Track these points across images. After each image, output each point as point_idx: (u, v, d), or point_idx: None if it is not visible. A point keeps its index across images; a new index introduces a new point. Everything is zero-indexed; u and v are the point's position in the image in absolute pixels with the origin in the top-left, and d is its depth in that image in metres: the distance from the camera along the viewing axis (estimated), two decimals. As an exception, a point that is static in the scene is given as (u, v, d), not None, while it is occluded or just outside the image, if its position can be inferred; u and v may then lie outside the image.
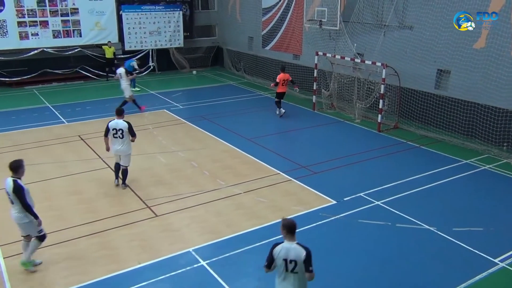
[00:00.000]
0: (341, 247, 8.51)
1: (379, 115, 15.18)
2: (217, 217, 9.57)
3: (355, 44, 16.81)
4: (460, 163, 12.45)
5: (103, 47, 22.77)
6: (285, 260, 5.54)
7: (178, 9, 25.07)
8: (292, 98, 19.54)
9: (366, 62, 15.58)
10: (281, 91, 16.81)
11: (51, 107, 18.16)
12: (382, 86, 14.89)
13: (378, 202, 10.15)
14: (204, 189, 10.88)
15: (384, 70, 14.67)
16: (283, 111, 16.78)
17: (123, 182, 10.97)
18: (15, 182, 7.35)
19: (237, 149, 13.49)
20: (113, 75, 22.94)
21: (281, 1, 21.28)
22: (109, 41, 23.05)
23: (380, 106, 15.10)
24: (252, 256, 8.19)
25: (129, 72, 17.79)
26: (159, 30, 24.81)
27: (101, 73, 23.41)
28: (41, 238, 7.78)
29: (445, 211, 9.88)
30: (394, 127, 15.44)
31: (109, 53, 22.81)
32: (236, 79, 23.90)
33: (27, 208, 7.38)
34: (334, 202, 10.21)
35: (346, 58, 16.36)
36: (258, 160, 12.65)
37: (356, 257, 8.18)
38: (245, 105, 18.68)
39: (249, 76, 23.70)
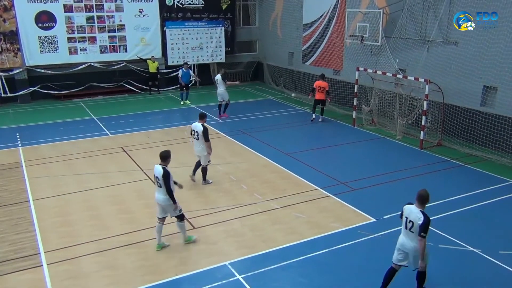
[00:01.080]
0: (379, 267, 8.26)
1: (422, 132, 14.81)
2: (254, 231, 9.54)
3: (397, 60, 16.55)
4: (507, 183, 11.93)
5: (147, 61, 23.35)
6: (406, 218, 6.99)
7: (220, 25, 25.54)
8: (332, 114, 19.41)
9: (409, 77, 15.29)
10: (316, 98, 17.91)
11: (96, 120, 18.79)
12: (425, 102, 14.55)
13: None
14: (242, 203, 10.91)
15: (427, 86, 14.34)
16: (314, 116, 17.76)
17: (203, 179, 12.04)
18: (164, 168, 8.58)
19: (276, 164, 13.47)
20: (156, 89, 23.67)
21: (322, 17, 21.29)
22: (153, 56, 23.69)
23: (423, 123, 14.74)
24: (287, 273, 8.10)
25: (225, 79, 19.05)
26: (201, 45, 25.33)
27: (144, 87, 24.06)
28: (181, 217, 8.90)
29: (491, 233, 9.46)
30: (437, 144, 15.01)
31: (152, 67, 23.34)
32: (275, 93, 23.98)
33: (170, 192, 8.57)
34: (374, 220, 9.98)
35: (387, 74, 16.12)
36: (296, 175, 12.58)
37: (396, 278, 7.93)
38: (284, 120, 18.69)
39: (288, 91, 23.74)
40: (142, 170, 13.00)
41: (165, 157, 8.79)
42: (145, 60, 23.47)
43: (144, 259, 8.54)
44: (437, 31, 15.55)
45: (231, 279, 7.89)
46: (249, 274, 8.03)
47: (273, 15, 25.46)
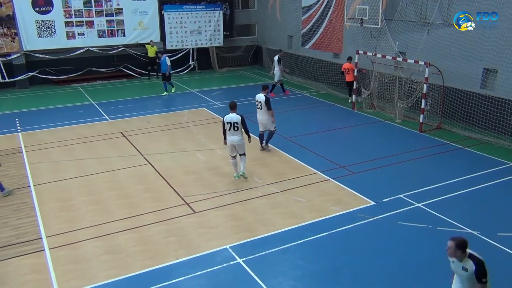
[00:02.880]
0: (379, 249, 8.35)
1: (421, 115, 14.78)
2: (254, 215, 9.59)
3: (397, 43, 16.44)
4: (506, 166, 11.96)
5: (146, 46, 23.18)
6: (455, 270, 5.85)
7: (219, 9, 25.30)
8: (332, 97, 19.35)
9: (409, 60, 15.20)
10: (347, 80, 18.20)
11: (95, 105, 18.75)
12: (425, 86, 14.49)
13: (419, 204, 9.89)
14: (241, 187, 10.94)
15: (427, 69, 14.27)
16: (353, 100, 17.81)
17: (266, 142, 13.24)
18: (239, 114, 10.88)
19: (275, 148, 13.47)
20: (155, 73, 23.53)
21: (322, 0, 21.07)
22: (151, 40, 23.47)
23: (422, 106, 14.70)
24: (287, 256, 8.16)
25: (280, 60, 19.55)
26: (200, 29, 25.13)
27: (143, 71, 23.94)
28: (244, 153, 11.18)
29: (490, 215, 9.51)
30: (437, 127, 15.00)
31: (151, 52, 23.18)
32: (274, 78, 23.81)
33: (248, 130, 11.03)
34: (373, 203, 10.02)
35: (387, 57, 16.02)
36: (295, 159, 12.59)
37: (395, 260, 8.01)
38: (283, 104, 18.63)
39: (288, 75, 23.61)
40: (142, 155, 13.01)
41: (234, 106, 11.04)
42: (143, 45, 23.31)
43: (144, 243, 8.60)
44: (437, 13, 15.41)
45: (231, 263, 7.95)
46: (250, 257, 8.09)
47: (272, -2, 25.20)
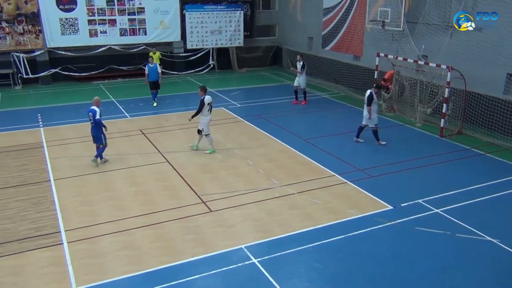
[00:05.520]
0: (396, 254, 8.27)
1: (442, 120, 14.58)
2: (270, 216, 9.59)
3: (423, 46, 16.21)
4: (529, 174, 11.72)
5: (150, 54, 20.49)
6: None
7: (240, 9, 25.37)
8: (351, 100, 19.23)
9: (430, 64, 15.01)
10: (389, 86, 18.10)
11: (115, 102, 18.97)
12: (447, 90, 14.30)
13: (438, 210, 9.76)
14: (258, 187, 10.94)
15: (449, 73, 14.07)
16: None
17: (377, 139, 13.87)
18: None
19: (293, 149, 13.45)
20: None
21: (343, 1, 20.97)
22: (154, 47, 21.86)
23: (444, 110, 14.50)
24: (303, 257, 8.13)
25: (303, 67, 18.36)
26: (220, 29, 25.24)
27: (164, 70, 24.11)
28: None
29: (510, 223, 9.33)
30: (458, 132, 14.77)
31: (156, 59, 20.56)
32: (294, 79, 23.76)
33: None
34: (391, 207, 9.92)
35: (408, 60, 15.85)
36: (313, 161, 12.55)
37: (411, 266, 7.92)
38: (302, 105, 18.57)
39: (307, 76, 23.51)
40: (160, 153, 13.12)
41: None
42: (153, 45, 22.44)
43: (161, 240, 8.66)
44: (461, 17, 15.17)
45: (246, 262, 7.96)
46: (265, 258, 8.09)
47: (293, -1, 25.18)
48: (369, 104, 13.44)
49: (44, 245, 8.48)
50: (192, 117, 12.92)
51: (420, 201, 10.17)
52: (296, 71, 18.47)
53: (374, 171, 11.85)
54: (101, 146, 12.20)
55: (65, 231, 8.98)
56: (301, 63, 18.33)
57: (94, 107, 11.94)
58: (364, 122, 13.85)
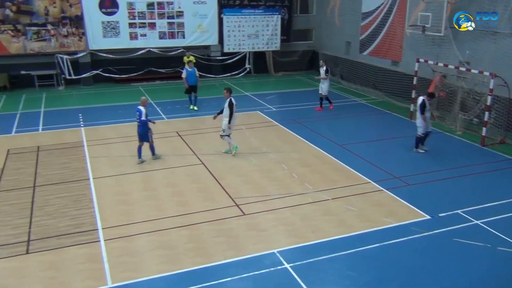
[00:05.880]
0: (431, 265, 8.04)
1: (484, 128, 14.11)
2: (303, 221, 9.52)
3: (467, 52, 15.74)
4: None
5: (184, 58, 20.58)
6: None
7: (277, 13, 25.41)
8: (388, 105, 18.91)
9: (473, 71, 14.57)
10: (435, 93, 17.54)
11: (153, 104, 19.32)
12: (489, 97, 13.84)
13: (478, 222, 9.44)
14: (292, 192, 10.90)
15: (492, 80, 13.62)
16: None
17: (415, 146, 13.64)
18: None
19: (328, 155, 13.33)
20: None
21: (383, 6, 20.67)
22: (188, 51, 21.77)
23: (486, 119, 14.04)
24: (336, 264, 8.03)
25: (327, 72, 18.18)
26: (257, 33, 25.33)
27: (201, 73, 24.39)
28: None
29: (556, 238, 8.92)
30: (501, 142, 14.26)
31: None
32: (331, 84, 23.54)
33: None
34: (428, 217, 9.67)
35: (449, 66, 15.44)
36: (348, 167, 12.39)
37: (447, 278, 7.68)
38: (338, 110, 18.40)
39: (345, 81, 23.33)
40: (196, 155, 13.27)
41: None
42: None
43: (196, 241, 8.75)
44: (506, 22, 14.67)
45: (279, 267, 7.93)
46: (297, 263, 8.03)
47: (331, 3, 24.99)
48: (422, 112, 13.13)
49: (81, 242, 8.72)
50: (230, 122, 12.98)
51: (459, 211, 9.87)
52: (321, 77, 18.25)
53: (411, 179, 11.60)
54: (150, 144, 12.74)
55: (102, 229, 9.20)
56: (324, 67, 18.20)
57: (141, 107, 12.42)
58: (420, 132, 13.41)
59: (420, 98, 13.33)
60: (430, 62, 16.24)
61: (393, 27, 20.16)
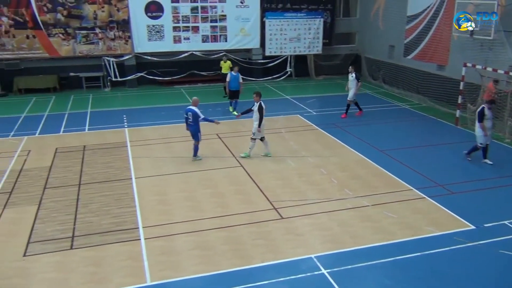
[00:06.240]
0: (474, 277, 7.75)
1: (535, 136, 13.49)
2: (342, 227, 9.40)
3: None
4: None
5: (221, 62, 21.69)
6: None
7: (320, 17, 25.25)
8: (433, 111, 18.40)
9: (524, 76, 13.96)
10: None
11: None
12: (542, 104, 13.21)
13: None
14: (331, 197, 10.78)
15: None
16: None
17: (468, 152, 13.16)
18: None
19: (368, 160, 13.10)
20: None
21: (429, 8, 20.14)
22: (225, 55, 22.70)
23: (537, 126, 13.41)
24: (375, 272, 7.88)
25: (358, 78, 17.77)
26: (299, 36, 25.26)
27: (243, 77, 24.53)
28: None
29: None
30: (553, 151, 13.59)
31: (225, 68, 21.26)
32: (373, 88, 23.26)
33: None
34: (473, 227, 9.33)
35: (499, 71, 14.85)
36: (389, 173, 12.14)
37: (493, 291, 7.38)
38: (380, 115, 18.07)
39: (387, 85, 22.89)
40: (235, 157, 13.36)
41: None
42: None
43: (233, 243, 8.81)
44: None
45: (315, 273, 7.87)
46: (335, 269, 7.94)
47: (375, 6, 24.59)
48: (480, 120, 12.43)
49: (123, 240, 8.96)
50: (259, 125, 12.95)
51: (506, 222, 9.47)
52: (348, 87, 17.75)
53: (455, 187, 11.23)
54: (196, 144, 13.09)
55: (143, 227, 9.42)
56: (354, 74, 17.61)
57: (193, 107, 12.86)
58: (480, 141, 12.67)
59: (481, 106, 12.62)
60: (478, 66, 15.68)
61: (440, 30, 19.60)
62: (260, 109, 12.92)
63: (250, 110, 13.30)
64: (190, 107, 12.92)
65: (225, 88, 19.69)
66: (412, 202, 10.52)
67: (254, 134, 13.15)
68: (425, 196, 10.75)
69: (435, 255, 8.38)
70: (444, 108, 18.37)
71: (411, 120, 17.34)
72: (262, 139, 13.27)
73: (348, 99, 17.72)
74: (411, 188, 11.22)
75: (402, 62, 22.26)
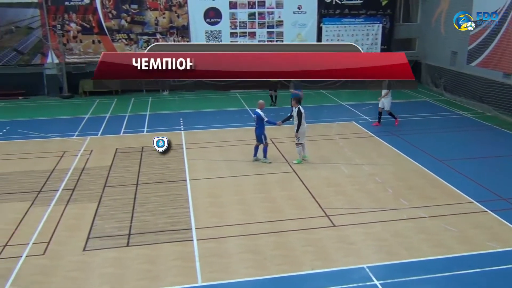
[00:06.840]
0: (542, 299, 7.26)
1: None
2: (396, 238, 9.12)
3: None
4: None
5: None
6: None
7: (379, 22, 24.78)
8: (497, 121, 17.49)
9: None
10: None
11: (249, 110, 19.79)
12: None
13: None
14: (385, 206, 10.50)
15: None
16: None
17: None
18: None
19: (426, 170, 12.65)
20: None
21: (496, 13, 19.20)
22: None
23: None
24: (429, 286, 7.58)
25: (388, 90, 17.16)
26: (357, 42, 24.87)
27: (297, 82, 24.57)
28: None
29: None
30: None
31: None
32: (433, 95, 22.47)
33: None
34: (539, 245, 8.77)
35: None
36: (448, 184, 11.65)
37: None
38: (440, 124, 17.42)
39: (448, 93, 22.03)
40: (288, 162, 13.34)
41: None
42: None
43: (283, 248, 8.78)
44: None
45: (367, 283, 7.68)
46: (388, 281, 7.71)
47: (437, 11, 23.77)
48: None
49: (176, 240, 9.17)
50: (297, 131, 12.99)
51: None
52: (382, 97, 17.11)
53: (520, 202, 10.60)
54: (264, 146, 13.31)
55: (196, 228, 9.60)
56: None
57: (258, 110, 13.15)
58: None
59: None
60: (549, 74, 14.76)
61: (507, 36, 18.63)
62: (299, 114, 12.93)
63: (290, 116, 13.35)
64: (257, 110, 13.25)
65: (271, 96, 20.67)
66: (472, 215, 10.03)
67: (298, 139, 13.16)
68: (487, 210, 10.22)
69: (496, 272, 7.93)
70: (510, 118, 17.42)
71: (473, 130, 16.58)
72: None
73: (385, 109, 17.12)
74: (472, 200, 10.70)
75: (465, 70, 21.34)
